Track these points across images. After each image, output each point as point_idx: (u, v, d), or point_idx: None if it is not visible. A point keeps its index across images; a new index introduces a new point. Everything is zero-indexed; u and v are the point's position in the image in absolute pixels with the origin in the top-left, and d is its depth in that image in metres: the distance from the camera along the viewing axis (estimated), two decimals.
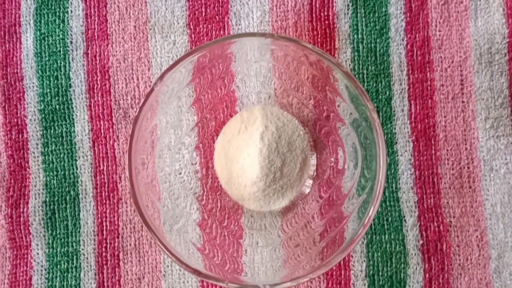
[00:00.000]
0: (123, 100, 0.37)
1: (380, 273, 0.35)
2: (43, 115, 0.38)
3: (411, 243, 0.35)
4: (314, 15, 0.36)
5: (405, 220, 0.35)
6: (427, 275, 0.35)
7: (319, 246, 0.30)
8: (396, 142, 0.35)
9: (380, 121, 0.34)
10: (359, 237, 0.27)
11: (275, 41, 0.29)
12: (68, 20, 0.38)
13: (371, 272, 0.35)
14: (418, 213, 0.35)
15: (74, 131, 0.37)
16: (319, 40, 0.36)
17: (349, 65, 0.36)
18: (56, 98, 0.38)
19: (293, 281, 0.27)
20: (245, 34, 0.29)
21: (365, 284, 0.35)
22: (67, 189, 0.37)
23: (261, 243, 0.34)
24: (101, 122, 0.37)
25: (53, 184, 0.37)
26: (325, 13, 0.36)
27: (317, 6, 0.36)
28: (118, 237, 0.37)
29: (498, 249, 0.35)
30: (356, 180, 0.30)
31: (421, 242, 0.35)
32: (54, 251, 0.37)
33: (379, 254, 0.35)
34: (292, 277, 0.27)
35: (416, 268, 0.35)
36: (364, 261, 0.35)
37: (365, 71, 0.35)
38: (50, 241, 0.37)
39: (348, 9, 0.36)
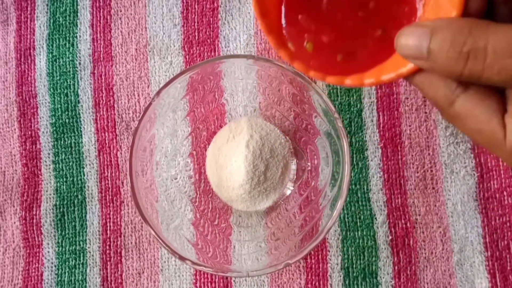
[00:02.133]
0: (126, 114, 0.42)
1: (354, 266, 0.39)
2: (54, 128, 0.42)
3: (381, 238, 0.39)
4: None
5: (375, 218, 0.39)
6: (396, 267, 0.39)
7: (297, 238, 0.35)
8: (367, 149, 0.40)
9: (346, 130, 0.38)
10: (328, 228, 0.31)
11: (256, 62, 0.34)
12: (77, 44, 0.43)
13: (345, 265, 0.39)
14: (387, 211, 0.39)
15: (82, 142, 0.42)
16: None
17: None
18: (66, 113, 0.42)
19: (272, 267, 0.31)
20: (230, 56, 0.34)
21: (340, 276, 0.39)
22: (75, 193, 0.41)
23: (248, 238, 0.38)
24: (106, 134, 0.42)
25: (63, 189, 0.42)
26: None
27: None
28: (120, 236, 0.41)
29: (460, 243, 0.39)
30: (328, 180, 0.35)
31: (390, 237, 0.39)
32: (63, 249, 0.41)
33: (352, 248, 0.39)
34: (271, 265, 0.32)
35: (386, 261, 0.39)
36: (340, 255, 0.39)
37: (338, 87, 0.40)
38: (60, 240, 0.41)
39: None
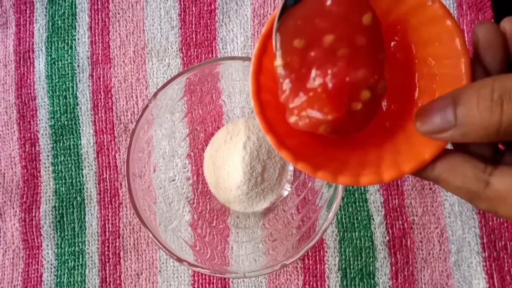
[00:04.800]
0: (124, 116, 0.42)
1: (352, 267, 0.39)
2: (53, 130, 0.42)
3: (379, 239, 0.39)
4: None
5: (373, 219, 0.39)
6: (393, 268, 0.39)
7: (294, 239, 0.35)
8: None
9: None
10: (325, 229, 0.31)
11: None
12: (75, 47, 0.43)
13: (343, 265, 0.39)
14: (385, 212, 0.39)
15: (80, 144, 0.42)
16: None
17: None
18: (65, 115, 0.42)
19: (268, 268, 0.32)
20: (227, 58, 0.34)
21: (338, 277, 0.39)
22: (74, 195, 0.42)
23: (245, 239, 0.38)
24: (104, 136, 0.42)
25: (62, 191, 0.42)
26: None
27: None
28: (119, 238, 0.41)
29: (457, 244, 0.39)
30: (325, 181, 0.35)
31: (387, 238, 0.39)
32: (62, 250, 0.41)
33: (350, 249, 0.39)
34: (268, 265, 0.32)
35: (384, 262, 0.39)
36: (337, 256, 0.39)
37: None
38: (59, 242, 0.41)
39: None
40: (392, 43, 0.24)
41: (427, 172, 0.22)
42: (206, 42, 0.42)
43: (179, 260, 0.32)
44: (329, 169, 0.23)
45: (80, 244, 0.41)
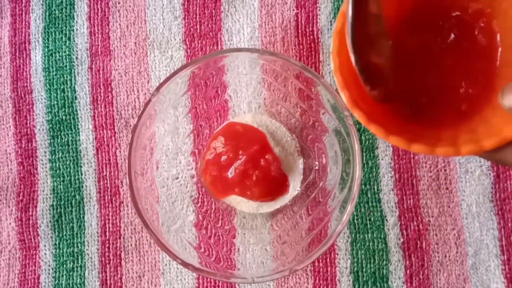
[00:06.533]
0: (125, 110, 0.40)
1: (364, 270, 0.37)
2: (50, 125, 0.41)
3: (393, 241, 0.37)
4: (300, 31, 0.39)
5: (386, 220, 0.37)
6: (408, 271, 0.37)
7: (304, 242, 0.33)
8: (377, 147, 0.38)
9: (356, 127, 0.36)
10: (338, 232, 0.29)
11: (261, 56, 0.32)
12: (73, 38, 0.41)
13: (355, 268, 0.37)
14: (399, 213, 0.37)
15: (79, 140, 0.40)
16: (304, 53, 0.39)
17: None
18: (63, 109, 0.41)
19: (278, 273, 0.30)
20: (233, 50, 0.32)
21: (349, 280, 0.37)
22: (72, 193, 0.40)
23: (252, 241, 0.36)
24: (104, 131, 0.40)
25: (60, 189, 0.40)
26: (310, 29, 0.39)
27: (303, 22, 0.39)
28: (120, 238, 0.39)
29: (475, 246, 0.37)
30: (337, 181, 0.33)
31: (401, 240, 0.37)
32: (61, 251, 0.39)
33: (362, 251, 0.37)
34: (277, 270, 0.30)
35: (398, 265, 0.37)
36: (349, 258, 0.37)
37: None
38: (57, 242, 0.40)
39: (331, 25, 0.39)
40: (477, 29, 0.25)
41: (504, 153, 0.23)
42: (211, 33, 0.40)
43: (185, 264, 0.30)
44: (403, 136, 0.23)
45: (79, 244, 0.39)
